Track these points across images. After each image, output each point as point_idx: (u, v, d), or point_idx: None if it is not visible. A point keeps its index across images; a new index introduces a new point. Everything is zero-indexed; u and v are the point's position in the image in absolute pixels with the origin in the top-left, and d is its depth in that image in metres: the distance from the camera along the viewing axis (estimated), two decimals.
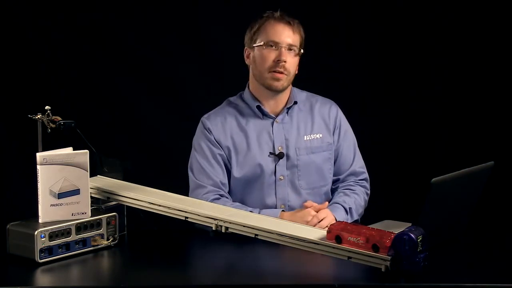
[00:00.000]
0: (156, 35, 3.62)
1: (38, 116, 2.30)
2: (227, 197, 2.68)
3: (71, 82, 3.60)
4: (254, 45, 2.70)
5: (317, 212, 2.55)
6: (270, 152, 2.70)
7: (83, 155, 2.26)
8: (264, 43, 2.67)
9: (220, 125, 2.73)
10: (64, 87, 3.59)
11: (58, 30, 3.56)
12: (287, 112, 2.74)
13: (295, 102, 2.75)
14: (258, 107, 2.73)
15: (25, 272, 2.08)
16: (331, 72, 3.54)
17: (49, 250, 2.14)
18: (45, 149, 2.27)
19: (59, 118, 2.31)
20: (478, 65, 3.59)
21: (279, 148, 2.70)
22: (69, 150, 2.27)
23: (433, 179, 2.09)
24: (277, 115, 2.74)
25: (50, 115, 2.30)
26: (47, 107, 2.30)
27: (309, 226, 2.42)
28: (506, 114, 3.58)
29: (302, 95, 2.80)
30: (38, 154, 2.21)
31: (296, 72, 2.73)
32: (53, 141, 2.31)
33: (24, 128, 2.63)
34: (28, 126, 2.40)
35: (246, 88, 2.78)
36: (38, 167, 2.21)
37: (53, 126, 2.30)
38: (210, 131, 2.72)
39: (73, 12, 3.56)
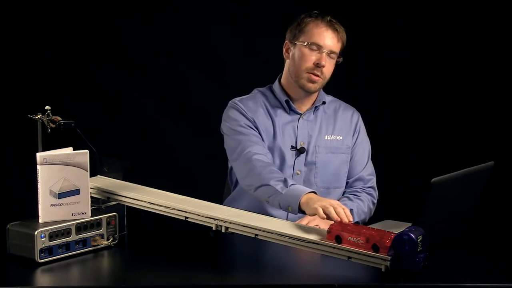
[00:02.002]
0: (157, 35, 3.62)
1: (38, 116, 2.30)
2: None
3: (72, 82, 3.60)
4: (296, 42, 2.69)
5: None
6: (291, 146, 2.71)
7: (83, 155, 2.26)
8: (307, 43, 2.67)
9: (252, 108, 2.73)
10: (64, 87, 3.59)
11: (58, 30, 3.57)
12: (313, 111, 2.76)
13: (324, 102, 2.77)
14: (287, 102, 2.74)
15: (25, 272, 2.08)
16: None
17: (49, 250, 2.14)
18: (45, 149, 2.27)
19: (59, 118, 2.31)
20: (478, 66, 3.59)
21: (301, 143, 2.72)
22: (69, 150, 2.26)
23: (433, 179, 2.09)
24: (303, 112, 2.75)
25: (50, 115, 2.30)
26: (47, 107, 2.30)
27: (309, 226, 2.42)
28: (506, 114, 3.58)
29: (327, 98, 2.83)
30: (38, 154, 2.21)
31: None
32: (53, 141, 2.31)
33: (24, 128, 2.63)
34: (28, 126, 2.40)
35: (276, 81, 2.79)
36: (38, 167, 2.21)
37: (53, 126, 2.30)
38: (244, 109, 2.72)
39: (73, 12, 3.56)
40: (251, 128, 2.70)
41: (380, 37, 3.64)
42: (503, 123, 3.59)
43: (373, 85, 3.67)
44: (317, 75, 2.67)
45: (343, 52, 2.73)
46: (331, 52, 2.67)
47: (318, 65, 2.66)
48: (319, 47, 2.66)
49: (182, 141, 3.55)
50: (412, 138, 3.68)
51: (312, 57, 2.66)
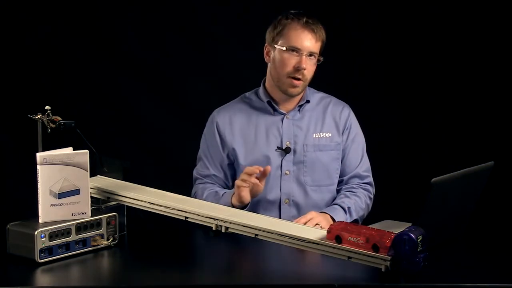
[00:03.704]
0: (156, 35, 3.62)
1: (38, 116, 2.30)
2: (210, 183, 2.77)
3: (71, 82, 3.60)
4: (276, 45, 2.70)
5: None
6: (277, 147, 2.71)
7: (83, 155, 2.26)
8: (286, 47, 2.67)
9: (228, 119, 2.77)
10: (64, 87, 3.59)
11: (58, 30, 3.56)
12: (298, 110, 2.76)
13: (308, 101, 2.77)
14: (269, 103, 2.75)
15: (25, 272, 2.08)
16: (331, 73, 3.54)
17: (49, 250, 2.14)
18: (45, 149, 2.27)
19: (59, 118, 2.31)
20: (478, 66, 3.59)
21: (287, 143, 2.72)
22: (69, 150, 2.27)
23: (433, 179, 2.09)
24: (288, 112, 2.76)
25: (50, 115, 2.30)
26: (47, 107, 2.30)
27: (309, 226, 2.42)
28: (506, 114, 3.58)
29: (317, 96, 2.82)
30: (38, 154, 2.21)
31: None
32: (53, 141, 2.31)
33: (24, 128, 2.63)
34: (28, 126, 2.40)
35: (262, 84, 2.80)
36: (38, 167, 2.21)
37: (53, 126, 2.30)
38: (217, 125, 2.77)
39: (73, 12, 3.56)
40: (216, 150, 2.76)
41: (380, 37, 3.64)
42: (503, 123, 3.59)
43: (373, 85, 3.67)
44: (299, 79, 2.67)
45: (324, 50, 2.73)
46: (311, 53, 2.67)
47: (298, 69, 2.66)
48: (297, 50, 2.66)
49: (182, 141, 3.54)
50: (412, 138, 3.68)
51: (292, 61, 2.67)
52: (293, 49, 2.66)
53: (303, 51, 2.66)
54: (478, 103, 3.60)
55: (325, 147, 2.75)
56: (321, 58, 2.71)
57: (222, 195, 2.66)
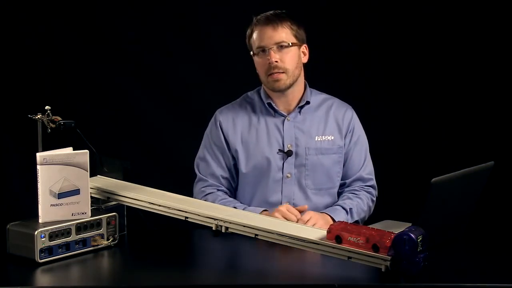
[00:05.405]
0: (156, 35, 3.62)
1: (38, 116, 2.30)
2: (223, 191, 2.74)
3: (71, 82, 3.60)
4: (251, 53, 2.73)
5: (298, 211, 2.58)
6: (279, 149, 2.71)
7: (83, 155, 2.26)
8: (255, 51, 2.70)
9: (231, 120, 2.77)
10: (64, 87, 3.59)
11: (58, 30, 3.56)
12: (299, 111, 2.75)
13: (308, 102, 2.76)
14: (269, 104, 2.75)
15: (25, 272, 2.08)
16: (331, 72, 3.54)
17: (49, 250, 2.14)
18: (45, 149, 2.27)
19: (59, 118, 2.32)
20: (478, 65, 3.58)
21: (289, 146, 2.72)
22: (69, 150, 2.27)
23: (433, 179, 2.09)
24: (289, 113, 2.75)
25: (50, 115, 2.31)
26: (47, 107, 2.30)
27: (309, 226, 2.42)
28: (506, 114, 3.58)
29: (319, 97, 2.81)
30: (38, 154, 2.21)
31: (306, 61, 2.74)
32: (53, 141, 2.31)
33: (24, 128, 2.64)
34: (28, 126, 2.40)
35: (262, 85, 2.80)
36: (38, 167, 2.21)
37: (53, 126, 2.30)
38: (220, 125, 2.77)
39: (73, 12, 3.57)
40: (222, 150, 2.75)
41: (380, 37, 3.64)
42: (503, 123, 3.59)
43: (373, 85, 3.66)
44: (277, 72, 2.67)
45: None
46: (277, 43, 2.67)
47: (270, 64, 2.67)
48: (263, 48, 2.68)
49: (183, 141, 3.55)
50: (412, 138, 3.68)
51: (264, 60, 2.68)
52: (260, 49, 2.68)
53: (267, 46, 2.67)
54: (478, 103, 3.60)
55: (327, 151, 2.74)
56: (298, 42, 2.70)
57: (243, 209, 2.61)
